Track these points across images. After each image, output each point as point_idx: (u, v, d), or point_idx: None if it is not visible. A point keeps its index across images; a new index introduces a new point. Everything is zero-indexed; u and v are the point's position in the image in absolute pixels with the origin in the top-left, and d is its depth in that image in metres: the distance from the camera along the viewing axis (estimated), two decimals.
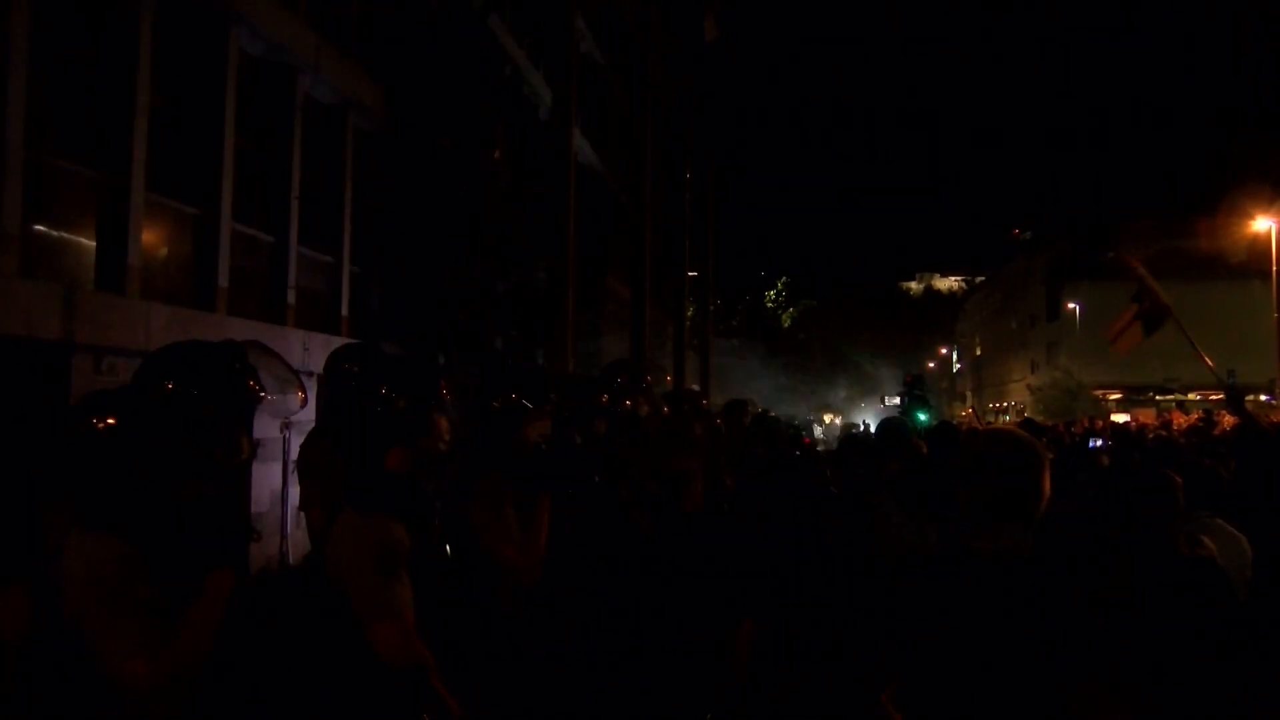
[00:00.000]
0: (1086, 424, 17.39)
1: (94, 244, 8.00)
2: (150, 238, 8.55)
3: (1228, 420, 12.01)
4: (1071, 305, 48.99)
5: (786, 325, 50.47)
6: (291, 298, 10.75)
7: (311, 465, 3.28)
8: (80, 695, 1.86)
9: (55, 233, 7.63)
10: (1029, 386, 52.37)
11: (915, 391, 15.65)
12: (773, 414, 12.34)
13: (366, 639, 2.18)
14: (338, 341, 10.99)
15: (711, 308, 34.10)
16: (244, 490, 9.63)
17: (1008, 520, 2.08)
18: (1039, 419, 25.33)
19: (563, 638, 3.55)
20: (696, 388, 15.80)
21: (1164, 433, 12.84)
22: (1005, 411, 54.13)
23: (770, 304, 50.30)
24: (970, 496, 2.14)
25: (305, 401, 2.86)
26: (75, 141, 8.02)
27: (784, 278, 52.19)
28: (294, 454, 10.78)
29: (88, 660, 1.82)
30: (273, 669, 2.12)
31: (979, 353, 68.81)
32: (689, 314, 29.06)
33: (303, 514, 3.19)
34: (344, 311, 11.91)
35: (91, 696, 1.85)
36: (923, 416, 17.32)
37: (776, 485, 4.64)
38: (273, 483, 9.92)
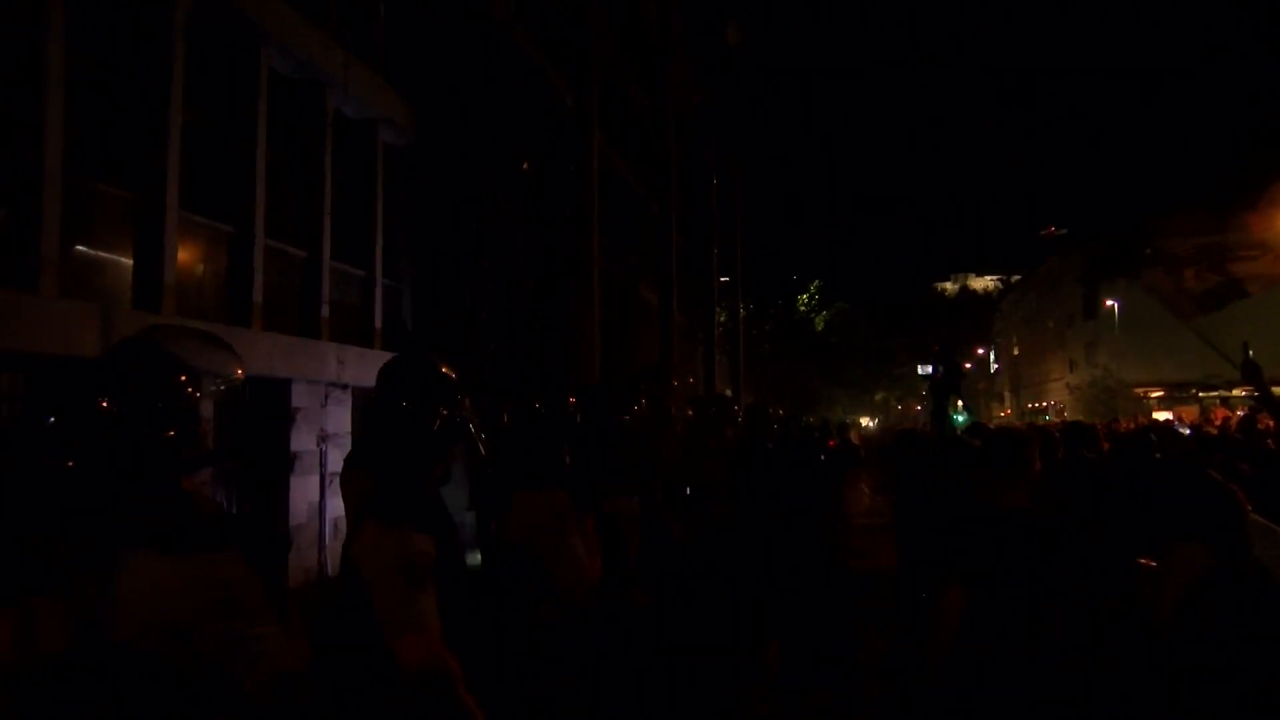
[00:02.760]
0: (1133, 423, 17.12)
1: (131, 263, 8.12)
2: (185, 256, 8.68)
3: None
4: (1110, 303, 48.34)
5: (820, 329, 50.15)
6: (325, 311, 10.86)
7: (353, 485, 3.30)
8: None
9: (93, 253, 7.76)
10: (1068, 386, 51.69)
11: (947, 364, 13.67)
12: (810, 419, 12.27)
13: (392, 652, 2.17)
14: (371, 354, 11.12)
15: (743, 313, 34.02)
16: (281, 502, 9.73)
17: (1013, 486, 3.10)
18: (1080, 418, 24.98)
19: (598, 646, 3.55)
20: (729, 392, 15.74)
21: (1185, 430, 12.48)
22: (1045, 411, 53.45)
23: (803, 308, 50.01)
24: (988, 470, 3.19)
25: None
26: (111, 163, 8.16)
27: (817, 281, 51.84)
28: (330, 466, 10.90)
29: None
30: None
31: (1016, 353, 68.07)
32: (720, 319, 29.00)
33: (340, 528, 3.21)
34: (377, 324, 12.01)
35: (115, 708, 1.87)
36: (959, 419, 17.03)
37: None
38: (310, 495, 10.02)
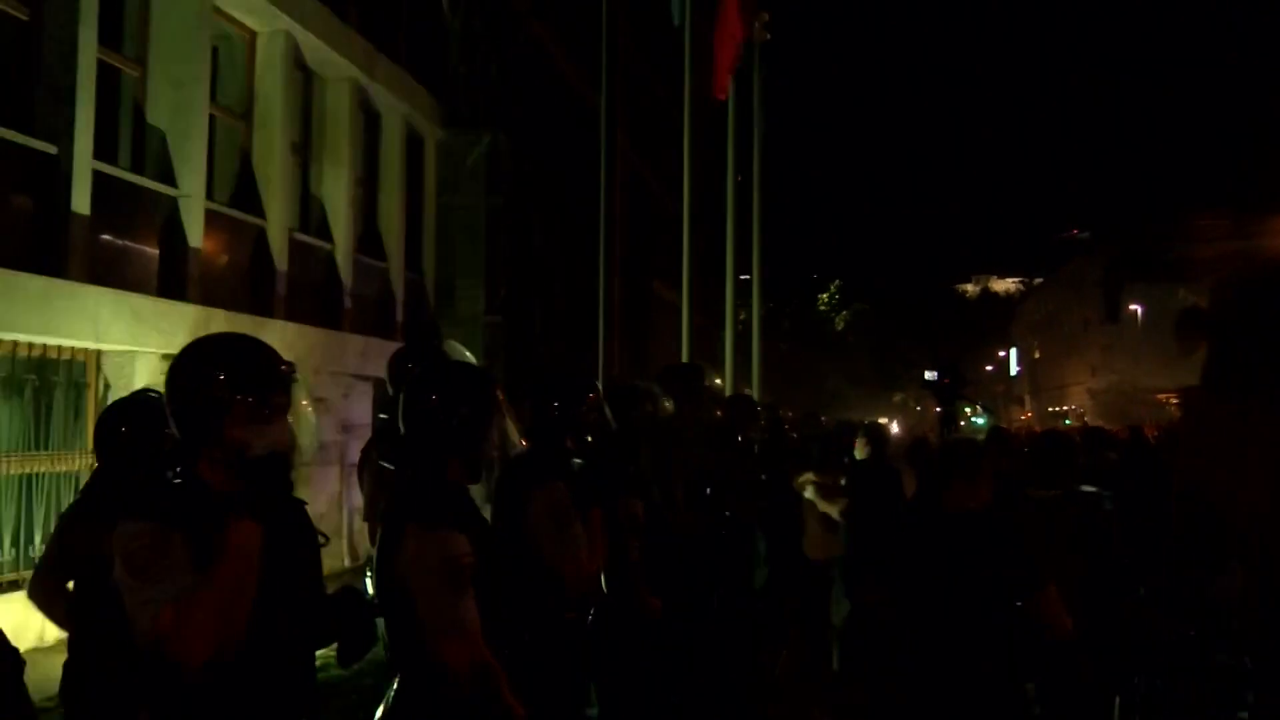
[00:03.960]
0: (1155, 429, 16.93)
1: (157, 253, 8.19)
2: (211, 246, 8.74)
3: None
4: (1133, 307, 47.92)
5: (840, 329, 49.95)
6: (348, 304, 10.92)
7: (364, 473, 3.31)
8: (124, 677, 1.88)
9: (120, 242, 7.83)
10: (1088, 390, 51.31)
11: (952, 372, 12.27)
12: (824, 419, 12.22)
13: (435, 655, 2.18)
14: (392, 347, 11.15)
15: (763, 311, 33.88)
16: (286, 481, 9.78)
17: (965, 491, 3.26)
18: (1100, 424, 24.81)
19: (627, 645, 3.57)
20: (749, 392, 15.73)
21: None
22: (1065, 415, 53.10)
23: (823, 307, 49.83)
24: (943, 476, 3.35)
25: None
26: (139, 155, 8.23)
27: (837, 281, 51.64)
28: (351, 458, 10.96)
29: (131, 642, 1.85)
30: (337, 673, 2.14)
31: (1037, 355, 67.59)
32: (740, 318, 28.90)
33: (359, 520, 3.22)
34: (399, 317, 12.07)
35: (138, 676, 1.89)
36: (980, 422, 16.93)
37: None
38: (330, 485, 10.08)
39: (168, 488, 1.95)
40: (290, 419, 2.06)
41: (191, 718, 1.89)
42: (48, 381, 7.20)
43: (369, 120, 11.63)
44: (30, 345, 6.89)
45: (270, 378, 2.02)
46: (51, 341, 7.00)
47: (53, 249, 6.93)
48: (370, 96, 11.42)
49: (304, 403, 2.12)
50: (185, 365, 2.02)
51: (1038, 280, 76.31)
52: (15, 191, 6.81)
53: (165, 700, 1.87)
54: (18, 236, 6.75)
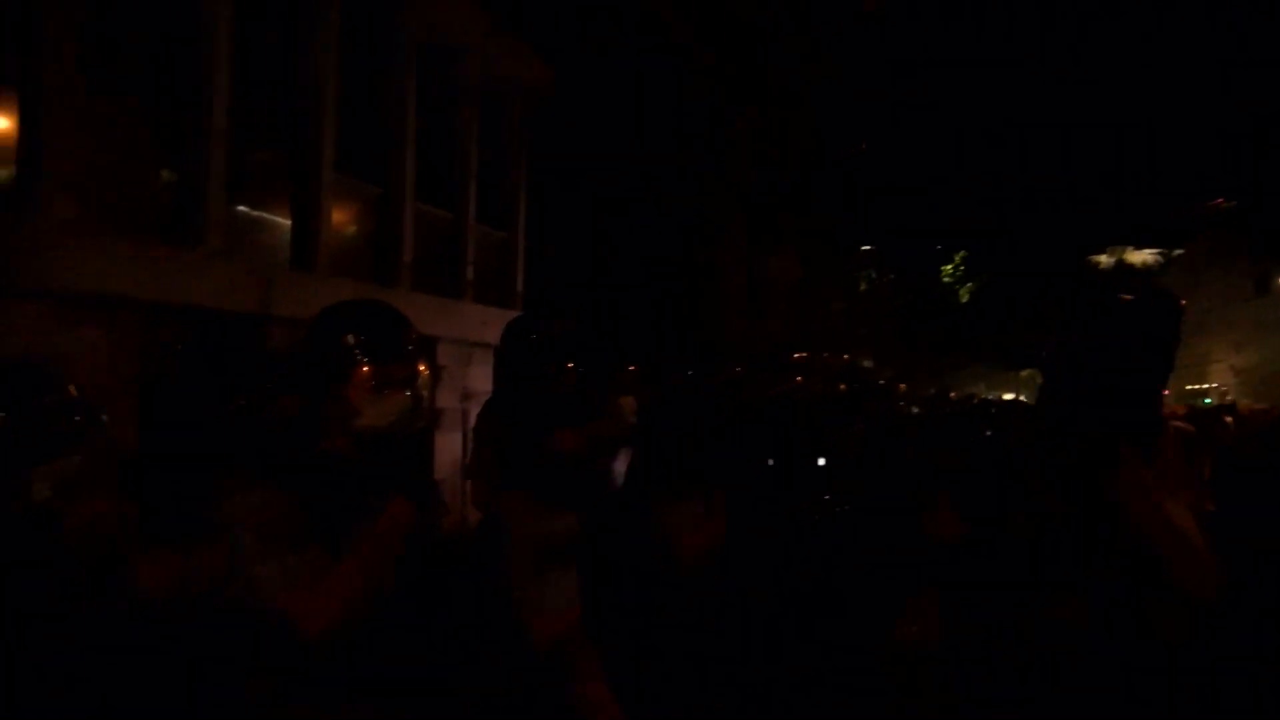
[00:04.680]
0: None
1: (288, 224, 8.45)
2: (339, 217, 8.97)
3: None
4: None
5: (964, 300, 48.46)
6: (470, 273, 11.08)
7: (483, 437, 3.32)
8: (238, 647, 1.92)
9: (254, 214, 8.10)
10: (1232, 368, 48.58)
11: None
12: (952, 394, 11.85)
13: (528, 628, 2.15)
14: (512, 316, 11.30)
15: (885, 280, 33.18)
16: (426, 458, 10.04)
17: None
18: (1248, 402, 23.44)
19: (736, 625, 3.51)
20: (869, 364, 15.40)
21: None
22: (1205, 394, 50.42)
23: (947, 278, 48.42)
24: None
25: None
26: (271, 128, 8.48)
27: (962, 252, 50.03)
28: (472, 424, 11.16)
29: (250, 610, 1.87)
30: (434, 638, 2.13)
31: None
32: (861, 288, 28.34)
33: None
34: (519, 287, 12.20)
35: (250, 646, 1.92)
36: None
37: None
38: (453, 451, 10.30)
39: (294, 456, 1.97)
40: (408, 392, 2.05)
41: (309, 678, 1.92)
42: None
43: (490, 90, 11.73)
44: None
45: (396, 349, 2.02)
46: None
47: (189, 220, 7.22)
48: (492, 67, 11.51)
49: (422, 378, 2.10)
50: (316, 327, 2.03)
51: (1177, 252, 72.50)
52: (157, 165, 7.12)
53: (285, 662, 1.90)
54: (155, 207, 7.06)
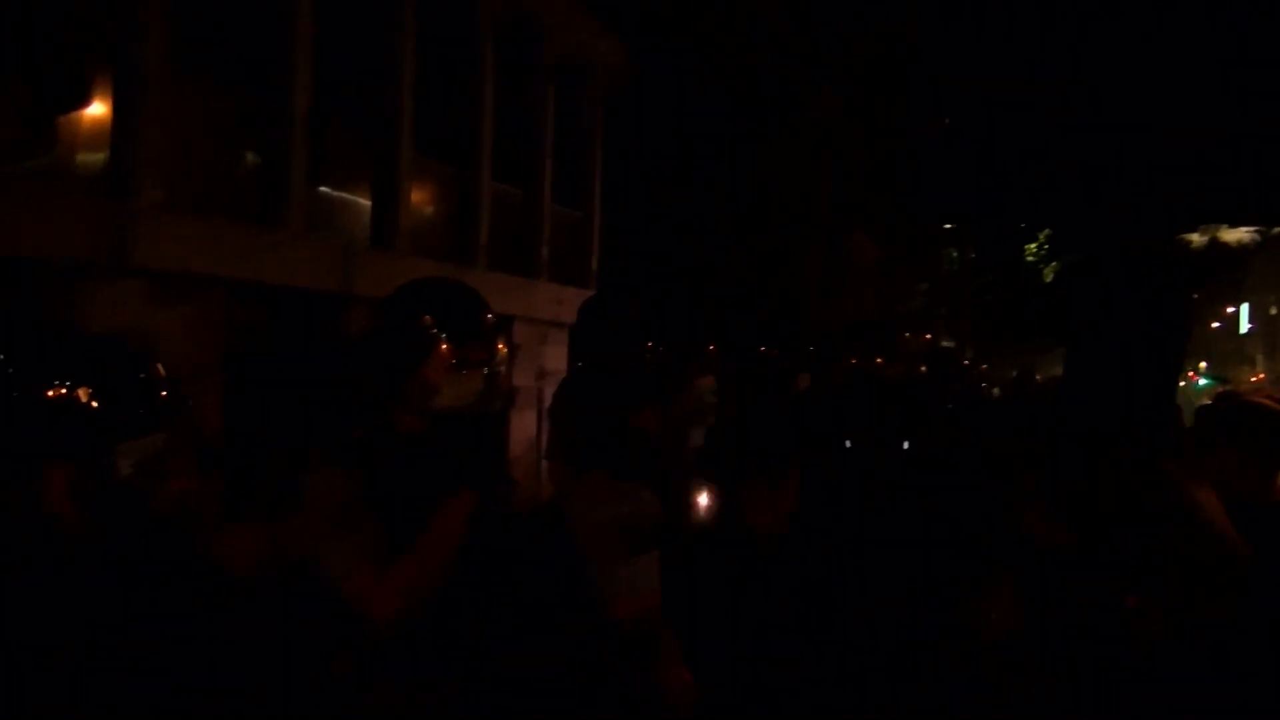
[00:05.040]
0: None
1: (368, 204, 8.57)
2: (417, 197, 9.07)
3: None
4: None
5: (1048, 280, 47.21)
6: (545, 253, 11.12)
7: (560, 417, 3.31)
8: (317, 625, 1.94)
9: (335, 194, 8.23)
10: None
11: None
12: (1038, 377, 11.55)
13: (608, 612, 2.14)
14: (587, 295, 11.33)
15: (967, 259, 32.53)
16: (501, 436, 10.14)
17: None
18: None
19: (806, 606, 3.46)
20: (950, 344, 15.10)
21: None
22: None
23: (1031, 258, 47.22)
24: None
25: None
26: (352, 108, 8.59)
27: (1046, 230, 48.70)
28: (546, 403, 11.25)
29: (324, 590, 1.89)
30: (506, 617, 2.13)
31: (1274, 311, 61.92)
32: (943, 268, 27.80)
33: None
34: (594, 266, 12.21)
35: (329, 625, 1.94)
36: (1203, 383, 15.72)
37: None
38: (528, 430, 10.38)
39: (363, 436, 1.98)
40: (485, 372, 2.04)
41: (388, 658, 1.94)
42: None
43: (567, 69, 11.72)
44: None
45: (474, 329, 2.01)
46: None
47: (273, 201, 7.37)
48: (569, 45, 11.49)
49: (500, 358, 2.09)
50: (394, 305, 2.04)
51: (1277, 230, 69.56)
52: (242, 147, 7.27)
53: (362, 642, 1.92)
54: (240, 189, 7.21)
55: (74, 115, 6.20)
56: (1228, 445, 2.95)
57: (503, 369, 2.10)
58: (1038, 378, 11.68)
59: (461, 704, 2.00)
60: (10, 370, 1.58)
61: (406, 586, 1.82)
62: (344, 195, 8.36)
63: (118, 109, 6.21)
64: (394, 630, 1.84)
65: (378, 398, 2.00)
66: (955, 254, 32.45)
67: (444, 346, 1.96)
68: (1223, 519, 2.37)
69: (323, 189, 8.00)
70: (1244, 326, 70.03)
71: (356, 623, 1.85)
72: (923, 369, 4.80)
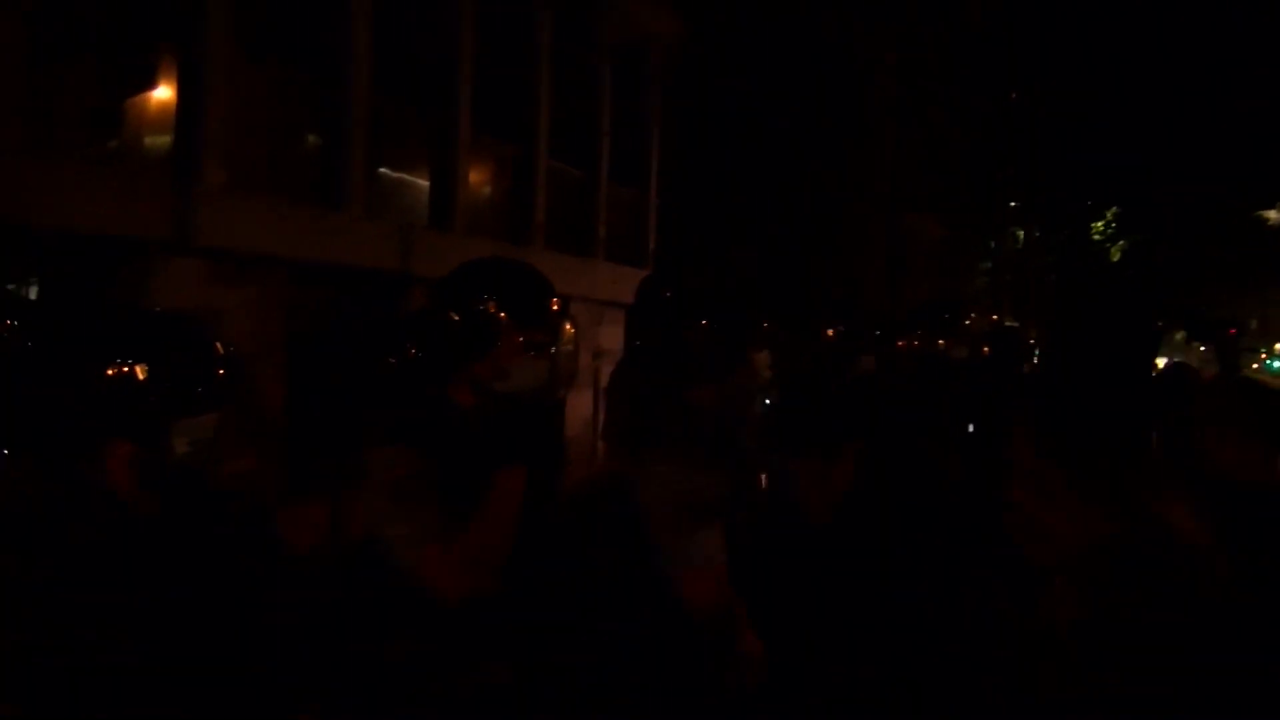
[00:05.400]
0: None
1: (426, 184, 8.61)
2: (475, 177, 9.09)
3: None
4: None
5: (1115, 260, 46.14)
6: (601, 231, 11.10)
7: (617, 397, 3.30)
8: (382, 603, 1.95)
9: (394, 175, 8.28)
10: None
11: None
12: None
13: (676, 587, 2.13)
14: (642, 274, 11.28)
15: (1032, 238, 31.89)
16: (557, 416, 10.18)
17: None
18: None
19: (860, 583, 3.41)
20: (1014, 324, 14.82)
21: None
22: None
23: (1097, 236, 46.12)
24: None
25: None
26: (409, 89, 8.62)
27: (1113, 208, 47.51)
28: (603, 383, 11.23)
29: (390, 569, 1.89)
30: (573, 595, 2.12)
31: None
32: (1007, 246, 27.28)
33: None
34: (650, 245, 12.16)
35: (395, 603, 1.95)
36: (1277, 365, 15.23)
37: None
38: (584, 410, 10.40)
39: (425, 413, 1.98)
40: (552, 353, 2.03)
41: (452, 635, 1.94)
42: None
43: (624, 45, 11.65)
44: None
45: (541, 312, 2.00)
46: None
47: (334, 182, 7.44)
48: (627, 21, 11.42)
49: (568, 340, 2.08)
50: (460, 286, 2.03)
51: None
52: (304, 129, 7.34)
53: (428, 619, 1.93)
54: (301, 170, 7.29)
55: (141, 98, 6.30)
56: (1231, 427, 2.86)
57: (569, 351, 2.10)
58: None
59: (531, 680, 2.00)
60: (70, 348, 1.60)
61: (471, 560, 1.83)
62: (402, 175, 8.42)
63: (183, 91, 6.30)
64: (463, 605, 1.85)
65: (443, 378, 2.00)
66: (1020, 233, 31.83)
67: (513, 330, 1.96)
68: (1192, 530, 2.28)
69: (382, 170, 8.06)
70: None
71: (422, 598, 1.86)
72: (986, 350, 4.69)
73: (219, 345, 1.70)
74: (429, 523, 1.82)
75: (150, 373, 1.59)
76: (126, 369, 1.58)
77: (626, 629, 2.25)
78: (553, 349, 2.03)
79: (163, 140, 6.31)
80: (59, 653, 1.48)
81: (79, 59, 5.86)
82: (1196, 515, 2.41)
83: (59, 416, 1.57)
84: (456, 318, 2.00)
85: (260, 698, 1.68)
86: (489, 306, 1.97)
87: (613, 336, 10.92)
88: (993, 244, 28.45)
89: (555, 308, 2.02)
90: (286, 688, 1.75)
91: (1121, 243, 48.44)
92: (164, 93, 6.34)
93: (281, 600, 1.78)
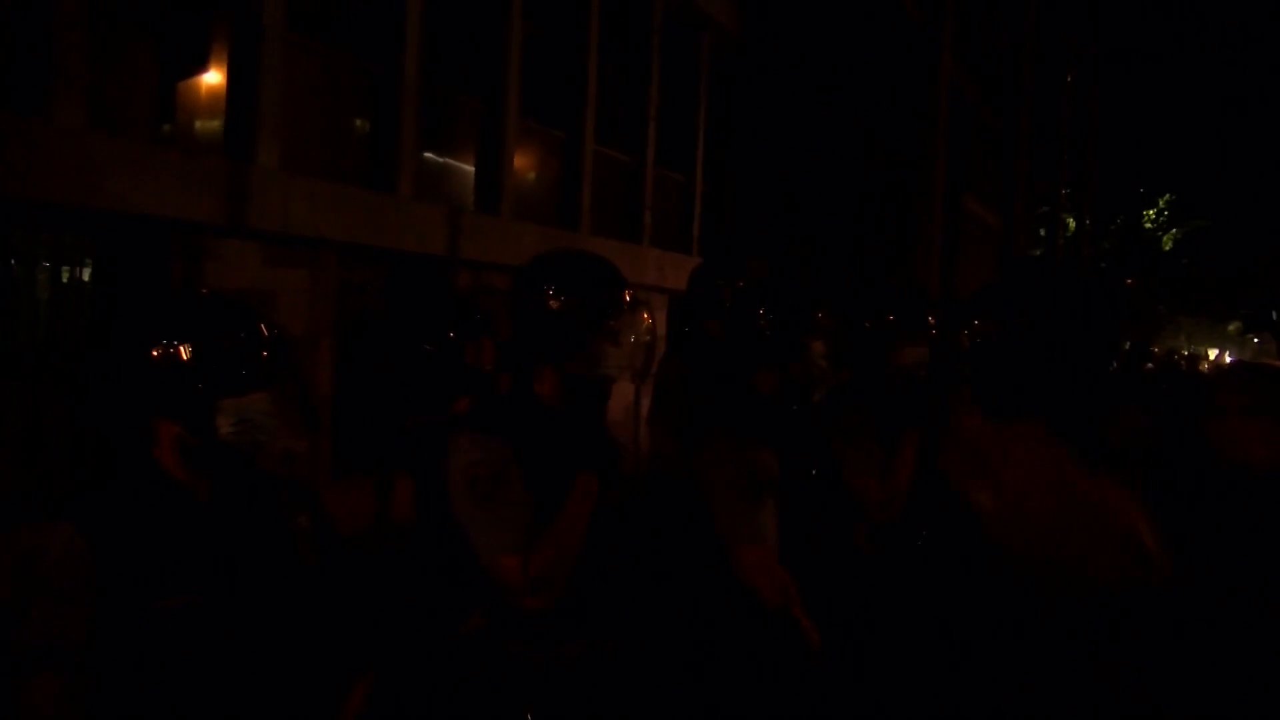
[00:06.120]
0: None
1: (473, 169, 8.64)
2: (522, 162, 9.11)
3: None
4: None
5: (1168, 249, 45.17)
6: (647, 217, 11.07)
7: (664, 382, 3.28)
8: (462, 585, 1.96)
9: (442, 159, 8.32)
10: None
11: None
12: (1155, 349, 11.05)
13: (731, 564, 2.16)
14: (689, 261, 11.23)
15: (1084, 226, 31.40)
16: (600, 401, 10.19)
17: None
18: None
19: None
20: None
21: None
22: None
23: (1149, 224, 45.18)
24: None
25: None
26: (459, 74, 8.65)
27: (1167, 195, 46.47)
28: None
29: (463, 554, 1.90)
30: (631, 581, 2.12)
31: None
32: (1061, 234, 26.86)
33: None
34: (696, 231, 12.11)
35: (473, 587, 1.96)
36: None
37: None
38: (626, 396, 10.41)
39: (507, 406, 1.99)
40: (632, 340, 2.04)
41: (520, 624, 1.95)
42: None
43: (674, 30, 11.58)
44: None
45: (620, 300, 2.02)
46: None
47: (384, 166, 7.48)
48: (677, 5, 11.35)
49: (648, 328, 2.09)
50: (534, 280, 2.05)
51: None
52: (354, 113, 7.39)
53: (498, 611, 1.94)
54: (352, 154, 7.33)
55: (195, 81, 6.38)
56: (1242, 413, 2.77)
57: (649, 342, 2.11)
58: (1154, 349, 11.17)
59: (605, 660, 2.00)
60: (118, 328, 1.62)
61: (546, 568, 1.85)
62: (449, 160, 8.44)
63: (235, 74, 6.36)
64: (533, 602, 1.87)
65: (529, 369, 2.01)
66: (1072, 221, 31.31)
67: (607, 318, 1.98)
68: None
69: (429, 155, 8.09)
70: None
71: (493, 588, 1.88)
72: None
73: (264, 326, 1.70)
74: (509, 519, 1.84)
75: (194, 353, 1.60)
76: (168, 349, 1.59)
77: (689, 606, 2.26)
78: (645, 336, 2.05)
79: (215, 124, 6.39)
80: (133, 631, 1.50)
81: (136, 41, 5.93)
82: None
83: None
84: (555, 307, 2.01)
85: (313, 671, 1.70)
86: (579, 298, 1.98)
87: (657, 323, 10.91)
88: (1043, 232, 28.05)
89: (634, 296, 2.04)
90: (339, 662, 1.77)
91: (1174, 231, 47.41)
92: (216, 76, 6.40)
93: (332, 578, 1.79)
